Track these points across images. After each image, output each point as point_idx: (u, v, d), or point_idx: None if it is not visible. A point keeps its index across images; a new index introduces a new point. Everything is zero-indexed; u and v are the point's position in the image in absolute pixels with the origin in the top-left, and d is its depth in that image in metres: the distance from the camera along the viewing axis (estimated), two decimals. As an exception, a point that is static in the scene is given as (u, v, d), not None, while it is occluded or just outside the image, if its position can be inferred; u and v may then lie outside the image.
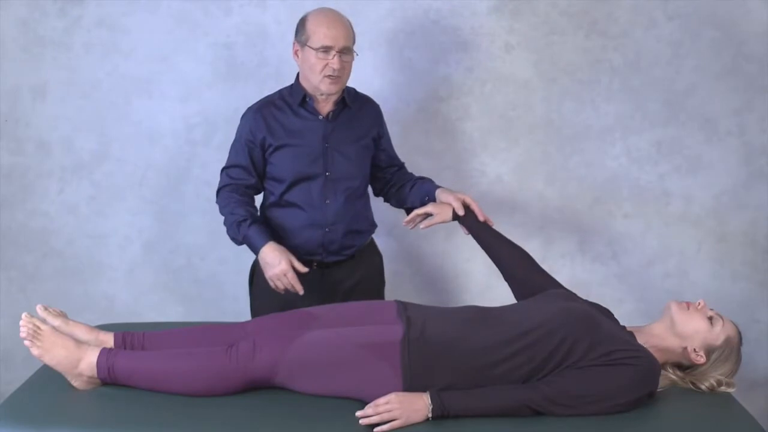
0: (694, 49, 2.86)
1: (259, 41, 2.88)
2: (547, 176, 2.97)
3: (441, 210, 2.38)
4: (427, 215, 2.39)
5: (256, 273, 2.51)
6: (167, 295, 3.07)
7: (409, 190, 2.52)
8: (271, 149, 2.39)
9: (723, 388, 2.04)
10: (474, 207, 2.38)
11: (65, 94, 2.92)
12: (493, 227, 2.40)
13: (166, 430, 1.85)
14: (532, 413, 1.90)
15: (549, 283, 2.27)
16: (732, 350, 2.06)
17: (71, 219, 3.01)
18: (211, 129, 2.94)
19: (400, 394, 1.89)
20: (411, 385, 1.92)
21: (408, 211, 2.48)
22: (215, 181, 2.51)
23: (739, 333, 2.10)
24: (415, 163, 2.96)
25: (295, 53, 2.37)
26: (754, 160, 2.92)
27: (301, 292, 2.30)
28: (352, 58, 2.35)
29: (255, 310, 2.55)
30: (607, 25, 2.85)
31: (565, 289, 2.26)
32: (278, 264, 2.29)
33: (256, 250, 2.35)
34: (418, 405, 1.87)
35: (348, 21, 2.36)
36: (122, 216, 3.01)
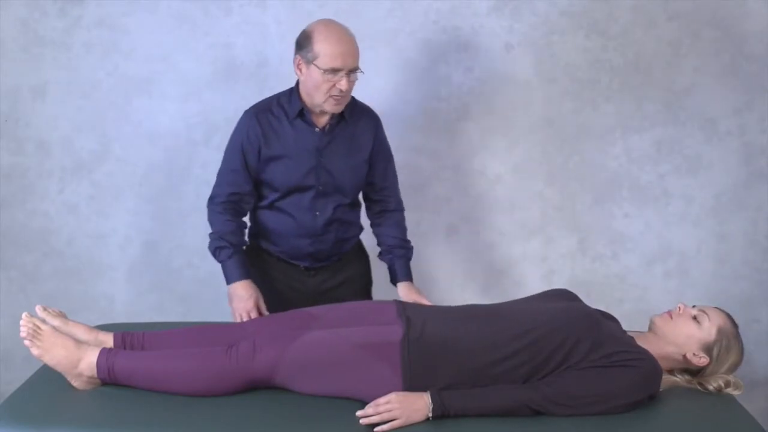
0: (694, 49, 2.86)
1: (259, 41, 2.88)
2: (547, 176, 2.97)
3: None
4: None
5: None
6: (167, 295, 3.07)
7: (386, 251, 2.51)
8: (265, 158, 2.37)
9: (730, 390, 2.03)
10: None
11: (65, 94, 2.92)
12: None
13: (166, 430, 1.85)
14: (532, 413, 1.89)
15: None
16: (729, 338, 2.05)
17: (71, 219, 3.01)
18: (211, 129, 2.94)
19: (401, 393, 1.89)
20: (411, 385, 1.91)
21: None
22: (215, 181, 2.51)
23: (730, 317, 2.09)
24: (415, 163, 2.96)
25: (298, 67, 2.29)
26: (754, 160, 2.92)
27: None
28: (357, 77, 2.30)
29: None
30: (607, 25, 2.85)
31: (564, 289, 2.25)
32: (245, 300, 2.33)
33: (228, 281, 2.37)
34: (419, 405, 1.87)
35: (354, 36, 2.28)
36: (122, 216, 3.01)
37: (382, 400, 1.87)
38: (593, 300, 2.25)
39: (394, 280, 2.50)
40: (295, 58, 2.30)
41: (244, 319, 2.31)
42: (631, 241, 3.00)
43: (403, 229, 2.55)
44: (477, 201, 3.00)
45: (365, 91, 2.88)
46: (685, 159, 2.94)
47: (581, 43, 2.87)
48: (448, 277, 3.06)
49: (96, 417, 1.91)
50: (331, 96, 2.26)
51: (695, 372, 2.08)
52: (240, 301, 2.34)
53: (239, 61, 2.90)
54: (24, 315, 2.01)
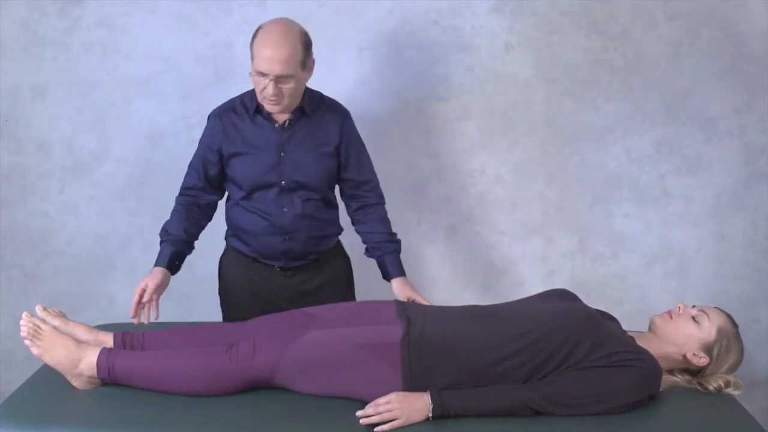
0: (694, 49, 2.86)
1: (259, 41, 2.88)
2: (547, 176, 2.97)
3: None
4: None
5: (222, 278, 2.56)
6: (166, 294, 3.02)
7: (374, 249, 2.47)
8: (228, 156, 2.37)
9: (730, 389, 2.03)
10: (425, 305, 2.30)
11: (65, 94, 2.92)
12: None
13: (166, 430, 1.85)
14: (532, 413, 1.89)
15: None
16: (729, 339, 2.05)
17: (71, 219, 3.01)
18: (211, 129, 2.94)
19: (401, 393, 1.89)
20: (411, 385, 1.92)
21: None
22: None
23: (730, 317, 2.09)
24: (415, 163, 2.96)
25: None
26: (754, 160, 2.92)
27: (135, 321, 2.27)
28: (296, 83, 2.23)
29: (225, 312, 2.60)
30: (607, 25, 2.85)
31: (564, 289, 2.25)
32: (140, 283, 2.30)
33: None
34: (419, 405, 1.87)
35: (295, 43, 2.20)
36: (122, 216, 3.01)
37: (382, 400, 1.87)
38: (593, 300, 2.25)
39: (387, 277, 2.47)
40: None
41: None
42: (631, 241, 3.00)
43: (388, 223, 2.52)
44: (477, 201, 3.00)
45: (365, 92, 2.89)
46: (685, 159, 2.94)
47: (581, 43, 2.87)
48: (448, 277, 3.06)
49: (96, 417, 1.92)
50: (264, 97, 2.24)
51: (695, 372, 2.08)
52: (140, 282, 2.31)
53: (239, 61, 2.90)
54: (24, 315, 2.01)
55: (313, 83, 2.77)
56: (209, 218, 2.50)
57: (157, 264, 2.38)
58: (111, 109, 2.94)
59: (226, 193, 2.50)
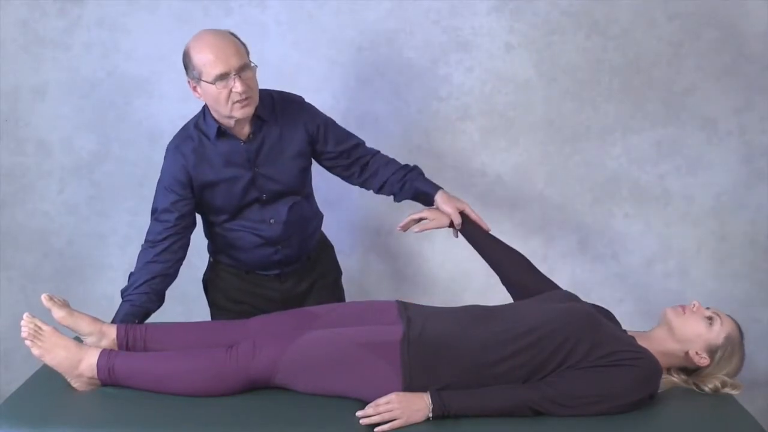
0: (694, 49, 2.86)
1: (259, 41, 2.87)
2: (547, 176, 2.97)
3: (437, 216, 2.35)
4: (422, 219, 2.37)
5: (211, 293, 2.53)
6: (168, 294, 3.06)
7: (399, 186, 2.41)
8: (199, 188, 2.27)
9: (727, 389, 2.03)
10: (473, 217, 2.35)
11: (65, 94, 2.92)
12: (490, 232, 2.38)
13: (166, 430, 1.86)
14: (532, 413, 1.90)
15: (547, 285, 2.27)
16: (734, 347, 2.05)
17: (71, 219, 3.01)
18: (211, 129, 2.93)
19: (401, 393, 1.89)
20: (411, 385, 1.92)
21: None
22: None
23: (740, 328, 2.09)
24: (415, 163, 2.95)
25: (193, 90, 2.20)
26: (754, 160, 2.92)
27: None
28: (254, 72, 2.17)
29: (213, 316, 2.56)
30: (607, 25, 2.85)
31: (564, 290, 2.26)
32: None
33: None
34: (419, 405, 1.87)
35: (232, 37, 2.18)
36: (122, 216, 3.01)
37: (382, 400, 1.88)
38: (593, 300, 2.25)
39: (427, 199, 2.39)
40: (188, 82, 2.21)
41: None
42: (631, 241, 3.00)
43: (396, 162, 2.45)
44: (477, 201, 2.99)
45: (366, 92, 2.89)
46: (685, 159, 2.94)
47: (581, 43, 2.87)
48: (448, 277, 3.06)
49: (96, 417, 1.92)
50: (233, 102, 2.14)
51: (692, 371, 2.08)
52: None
53: (239, 61, 2.89)
54: (25, 315, 2.02)
55: (313, 83, 2.78)
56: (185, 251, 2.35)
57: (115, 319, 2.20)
58: (111, 109, 2.94)
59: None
